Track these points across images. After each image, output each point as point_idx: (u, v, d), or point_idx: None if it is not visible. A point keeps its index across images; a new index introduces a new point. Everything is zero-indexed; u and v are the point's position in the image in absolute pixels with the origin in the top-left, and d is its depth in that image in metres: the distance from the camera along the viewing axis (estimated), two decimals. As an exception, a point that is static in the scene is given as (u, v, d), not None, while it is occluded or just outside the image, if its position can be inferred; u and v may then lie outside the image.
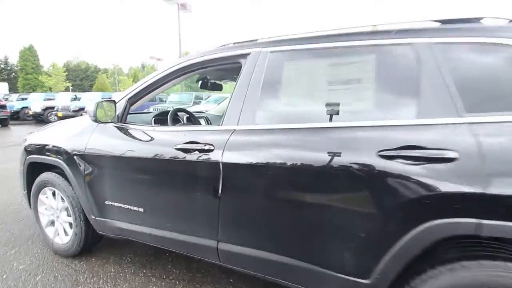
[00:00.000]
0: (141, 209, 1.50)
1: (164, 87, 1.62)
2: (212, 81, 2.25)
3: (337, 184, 1.01)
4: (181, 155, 1.33)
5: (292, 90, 1.28)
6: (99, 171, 1.63)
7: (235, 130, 1.25)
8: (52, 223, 2.00)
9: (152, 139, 1.48)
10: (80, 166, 1.66)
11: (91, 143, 1.65)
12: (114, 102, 1.59)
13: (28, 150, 1.97)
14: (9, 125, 11.31)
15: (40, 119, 12.41)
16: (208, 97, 11.47)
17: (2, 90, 25.26)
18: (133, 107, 1.71)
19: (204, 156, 1.27)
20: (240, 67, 1.35)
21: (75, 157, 1.68)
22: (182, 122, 2.17)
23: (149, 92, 1.63)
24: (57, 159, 1.76)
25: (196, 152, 1.29)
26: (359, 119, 1.04)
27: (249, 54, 1.33)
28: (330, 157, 1.01)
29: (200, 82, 2.18)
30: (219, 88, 2.39)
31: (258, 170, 1.16)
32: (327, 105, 1.11)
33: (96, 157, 1.61)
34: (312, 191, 1.07)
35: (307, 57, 1.21)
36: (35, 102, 13.58)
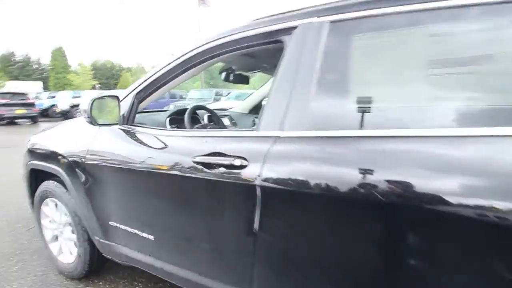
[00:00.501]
0: (150, 237, 1.16)
1: (179, 79, 1.27)
2: (238, 72, 1.87)
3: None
4: (201, 170, 0.96)
5: (369, 77, 0.86)
6: (101, 185, 1.32)
7: (278, 137, 0.87)
8: (56, 238, 1.74)
9: (164, 146, 1.13)
10: (80, 177, 1.36)
11: (92, 149, 1.34)
12: (118, 98, 1.26)
13: (30, 153, 1.71)
14: (38, 122, 11.73)
15: (67, 116, 12.80)
16: (228, 93, 11.19)
17: (37, 88, 26.86)
18: (143, 104, 1.37)
19: (233, 175, 0.89)
20: (282, 48, 0.96)
21: (74, 165, 1.38)
22: (203, 123, 1.82)
23: (161, 86, 1.28)
24: (56, 167, 1.48)
25: (222, 168, 0.92)
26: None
27: (295, 28, 0.93)
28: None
29: (223, 74, 1.81)
30: (245, 81, 2.01)
31: (315, 197, 0.77)
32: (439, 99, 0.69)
33: (98, 167, 1.30)
34: (414, 234, 0.67)
35: (396, 26, 0.78)
36: (63, 100, 14.04)
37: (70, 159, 1.40)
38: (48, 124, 2.32)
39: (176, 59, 1.21)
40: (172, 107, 9.92)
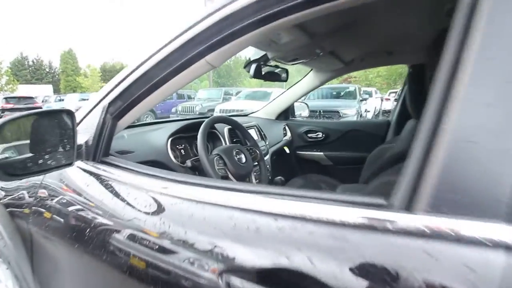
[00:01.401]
0: None
1: (186, 75, 0.67)
2: (273, 64, 1.26)
3: None
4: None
5: None
6: (52, 260, 0.74)
7: None
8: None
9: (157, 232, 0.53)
10: (25, 239, 0.80)
11: (38, 201, 0.76)
12: (70, 115, 0.67)
13: None
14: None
15: (75, 119, 12.53)
16: (239, 92, 10.60)
17: (47, 92, 27.05)
18: (125, 121, 0.78)
19: None
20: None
21: (17, 219, 0.81)
22: (223, 141, 1.22)
23: (154, 88, 0.68)
24: None
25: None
26: None
27: None
28: None
29: (252, 67, 1.20)
30: (280, 78, 1.39)
31: None
32: None
33: (47, 230, 0.73)
34: None
35: None
36: (70, 103, 13.81)
37: (8, 207, 0.83)
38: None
39: (181, 34, 0.62)
40: (180, 109, 9.42)
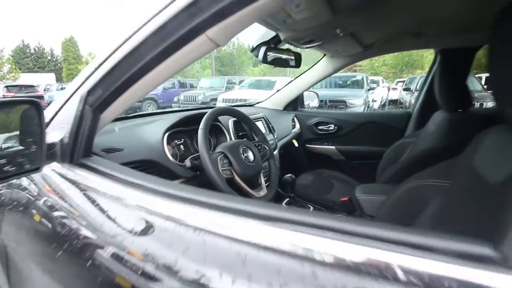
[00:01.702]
0: None
1: (184, 54, 0.52)
2: (284, 47, 1.10)
3: None
4: None
5: None
6: (29, 277, 0.63)
7: None
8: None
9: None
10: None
11: (11, 208, 0.64)
12: (36, 105, 0.53)
13: None
14: (47, 116, 11.38)
15: (77, 108, 12.43)
16: (242, 81, 10.37)
17: (49, 80, 26.84)
18: (111, 114, 0.64)
19: None
20: None
21: None
22: (228, 135, 1.08)
23: (143, 72, 0.54)
24: None
25: None
26: None
27: None
28: None
29: (260, 51, 1.03)
30: (292, 63, 1.23)
31: None
32: None
33: (20, 243, 0.61)
34: None
35: None
36: (72, 92, 13.64)
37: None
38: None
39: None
40: (182, 99, 9.23)
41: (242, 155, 0.89)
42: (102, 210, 0.49)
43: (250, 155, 0.93)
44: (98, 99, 0.59)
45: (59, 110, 0.64)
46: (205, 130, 0.81)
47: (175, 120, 0.93)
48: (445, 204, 0.63)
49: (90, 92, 0.60)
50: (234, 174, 0.83)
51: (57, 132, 0.62)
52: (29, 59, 41.59)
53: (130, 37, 0.53)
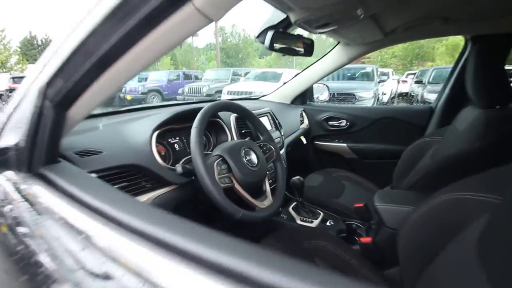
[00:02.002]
0: None
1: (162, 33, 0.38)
2: (294, 33, 0.95)
3: None
4: None
5: None
6: None
7: None
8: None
9: None
10: None
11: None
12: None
13: None
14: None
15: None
16: (247, 73, 10.16)
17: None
18: (80, 112, 0.51)
19: None
20: None
21: None
22: (230, 133, 0.95)
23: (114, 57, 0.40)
24: None
25: None
26: None
27: None
28: None
29: (267, 36, 0.89)
30: (302, 51, 1.08)
31: None
32: None
33: None
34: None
35: None
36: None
37: None
38: None
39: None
40: (186, 90, 9.09)
41: (243, 159, 0.76)
42: (50, 239, 0.37)
43: (254, 158, 0.80)
44: (60, 92, 0.47)
45: (15, 108, 0.51)
46: (199, 130, 0.68)
47: (167, 116, 0.79)
48: (495, 226, 0.50)
49: (49, 84, 0.47)
50: (234, 181, 0.71)
51: (12, 134, 0.50)
52: (36, 50, 41.79)
53: (94, 8, 0.40)
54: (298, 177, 1.11)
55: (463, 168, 0.85)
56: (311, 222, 1.10)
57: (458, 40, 17.05)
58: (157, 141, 0.84)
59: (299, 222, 1.10)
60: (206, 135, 1.04)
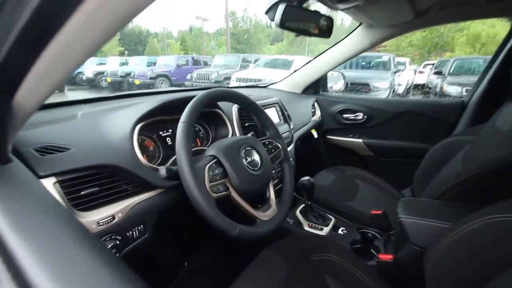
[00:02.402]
0: None
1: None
2: (311, 9, 0.79)
3: None
4: None
5: None
6: None
7: None
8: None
9: None
10: None
11: None
12: None
13: None
14: (64, 91, 11.45)
15: (93, 84, 12.47)
16: (257, 60, 9.89)
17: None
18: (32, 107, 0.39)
19: None
20: None
21: None
22: (232, 133, 0.82)
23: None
24: None
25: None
26: None
27: None
28: None
29: (278, 11, 0.73)
30: (318, 31, 0.91)
31: None
32: None
33: None
34: None
35: None
36: (88, 67, 13.66)
37: None
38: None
39: None
40: (195, 76, 8.92)
41: (243, 160, 0.62)
42: None
43: (256, 159, 0.66)
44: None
45: None
46: (187, 124, 0.55)
47: (153, 106, 0.66)
48: None
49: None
50: (231, 189, 0.58)
51: None
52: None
53: None
54: (307, 177, 0.97)
55: (507, 178, 0.70)
56: (321, 229, 0.97)
57: (480, 30, 16.10)
58: (145, 135, 0.72)
59: (306, 228, 0.98)
60: (204, 128, 0.91)
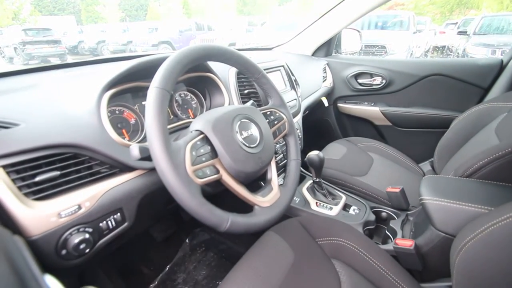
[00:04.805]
0: None
1: None
2: None
3: None
4: None
5: None
6: None
7: None
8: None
9: None
10: None
11: None
12: None
13: None
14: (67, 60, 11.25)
15: (95, 53, 12.20)
16: (264, 23, 9.29)
17: (69, 23, 26.19)
18: None
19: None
20: None
21: None
22: (229, 102, 0.69)
23: None
24: None
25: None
26: None
27: None
28: None
29: None
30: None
31: None
32: None
33: None
34: None
35: None
36: (89, 36, 13.22)
37: None
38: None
39: None
40: (198, 42, 8.51)
41: (237, 135, 0.51)
42: None
43: (254, 133, 0.54)
44: None
45: None
46: (160, 91, 0.42)
47: (124, 68, 0.53)
48: None
49: None
50: (222, 171, 0.47)
51: None
52: (48, 0, 40.28)
53: None
54: (316, 152, 0.85)
55: None
56: (330, 208, 0.88)
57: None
58: (121, 105, 0.60)
59: (314, 207, 0.88)
60: (197, 96, 0.78)
